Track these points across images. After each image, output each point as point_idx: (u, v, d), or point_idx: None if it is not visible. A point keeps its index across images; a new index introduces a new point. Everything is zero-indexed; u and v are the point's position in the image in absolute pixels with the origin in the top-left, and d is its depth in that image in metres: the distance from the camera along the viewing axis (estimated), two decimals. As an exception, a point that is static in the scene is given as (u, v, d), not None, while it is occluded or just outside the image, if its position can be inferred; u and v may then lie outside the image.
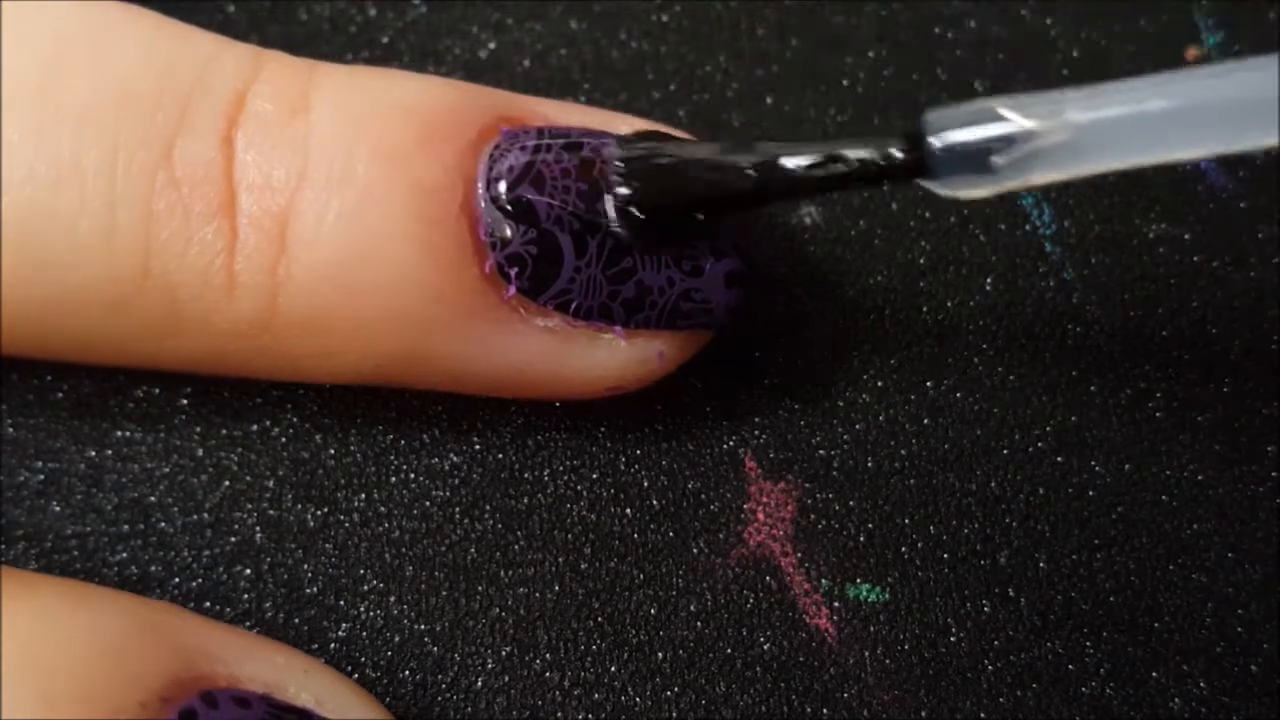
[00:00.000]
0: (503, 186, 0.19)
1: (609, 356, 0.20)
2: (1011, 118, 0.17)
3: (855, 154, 0.18)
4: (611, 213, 0.19)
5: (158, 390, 0.22)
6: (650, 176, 0.19)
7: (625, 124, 0.20)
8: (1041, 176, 0.18)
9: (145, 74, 0.19)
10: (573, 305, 0.19)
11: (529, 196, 0.19)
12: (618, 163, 0.19)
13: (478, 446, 0.22)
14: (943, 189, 0.18)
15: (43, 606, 0.18)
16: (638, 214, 0.19)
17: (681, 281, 0.20)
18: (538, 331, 0.19)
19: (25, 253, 0.18)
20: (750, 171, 0.19)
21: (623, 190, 0.19)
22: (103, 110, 0.18)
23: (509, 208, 0.19)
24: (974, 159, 0.17)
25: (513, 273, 0.19)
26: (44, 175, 0.18)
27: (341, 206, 0.18)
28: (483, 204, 0.19)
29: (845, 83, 0.24)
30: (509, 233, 0.19)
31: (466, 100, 0.20)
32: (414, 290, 0.19)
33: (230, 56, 0.19)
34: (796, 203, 0.21)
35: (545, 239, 0.19)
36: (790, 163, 0.18)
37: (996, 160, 0.17)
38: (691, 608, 0.21)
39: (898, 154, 0.18)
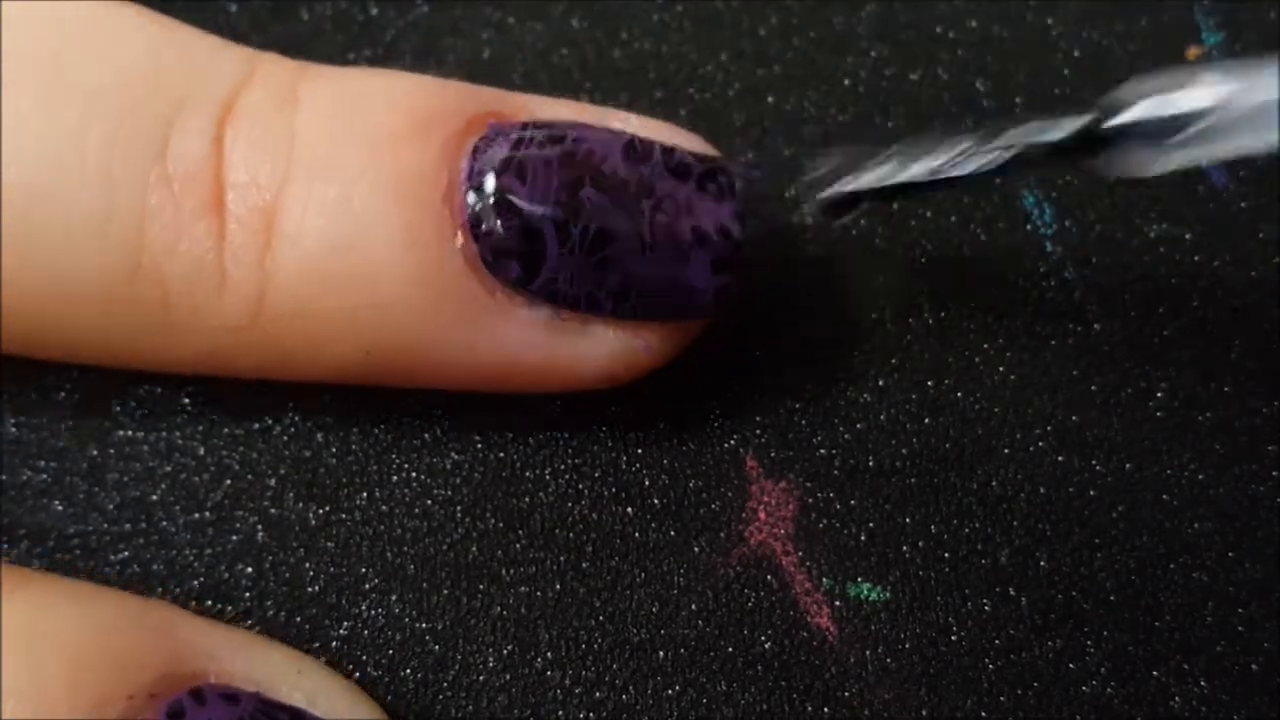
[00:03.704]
0: (486, 177, 0.19)
1: (596, 346, 0.20)
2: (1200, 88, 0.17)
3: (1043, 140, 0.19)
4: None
5: (159, 389, 0.22)
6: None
7: (617, 120, 0.20)
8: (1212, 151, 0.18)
9: (143, 71, 0.19)
10: (559, 294, 0.19)
11: (512, 187, 0.19)
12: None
13: (479, 445, 0.22)
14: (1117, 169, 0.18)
15: (40, 596, 0.18)
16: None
17: (668, 268, 0.20)
18: (526, 322, 0.19)
19: (22, 239, 0.18)
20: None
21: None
22: (102, 104, 0.18)
23: (492, 198, 0.19)
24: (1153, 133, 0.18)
25: (497, 262, 0.19)
26: (43, 161, 0.18)
27: (325, 196, 0.18)
28: (466, 193, 0.19)
29: (846, 82, 0.24)
30: (492, 222, 0.19)
31: (453, 95, 0.20)
32: (398, 275, 0.19)
33: (227, 58, 0.19)
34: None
35: (528, 228, 0.19)
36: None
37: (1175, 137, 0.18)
38: (693, 607, 0.21)
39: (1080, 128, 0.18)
